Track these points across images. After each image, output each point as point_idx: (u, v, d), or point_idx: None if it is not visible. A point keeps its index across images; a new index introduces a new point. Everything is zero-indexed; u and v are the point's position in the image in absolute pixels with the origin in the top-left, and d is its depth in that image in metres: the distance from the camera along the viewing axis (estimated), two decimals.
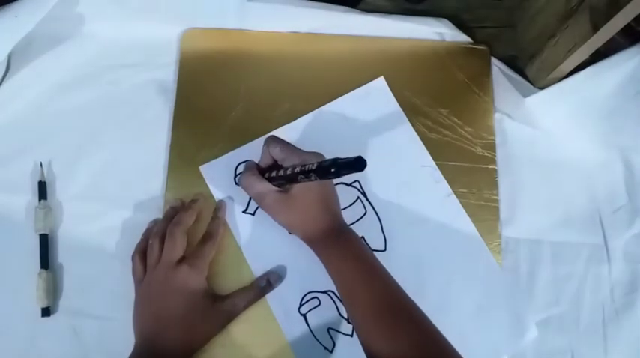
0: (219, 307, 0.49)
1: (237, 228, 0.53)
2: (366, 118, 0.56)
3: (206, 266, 0.49)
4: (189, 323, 0.47)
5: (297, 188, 0.46)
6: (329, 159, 0.42)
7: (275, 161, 0.49)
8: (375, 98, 0.57)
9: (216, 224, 0.51)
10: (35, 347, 0.49)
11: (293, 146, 0.49)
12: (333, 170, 0.41)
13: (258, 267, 0.52)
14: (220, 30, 0.59)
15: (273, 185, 0.48)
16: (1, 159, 0.54)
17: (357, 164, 0.39)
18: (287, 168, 0.46)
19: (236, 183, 0.54)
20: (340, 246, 0.46)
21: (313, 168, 0.43)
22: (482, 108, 0.57)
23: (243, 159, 0.54)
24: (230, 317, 0.49)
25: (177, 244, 0.48)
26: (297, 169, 0.44)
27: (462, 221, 0.54)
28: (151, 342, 0.46)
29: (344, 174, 0.41)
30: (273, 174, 0.48)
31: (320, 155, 0.47)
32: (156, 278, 0.47)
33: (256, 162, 0.52)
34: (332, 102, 0.57)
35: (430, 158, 0.55)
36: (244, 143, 0.55)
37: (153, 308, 0.47)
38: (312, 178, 0.43)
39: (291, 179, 0.46)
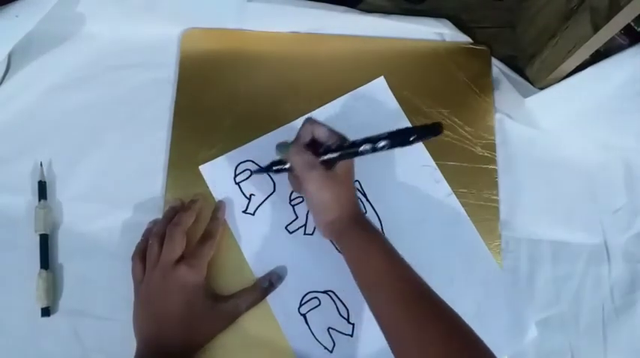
0: (222, 308, 0.49)
1: (237, 228, 0.53)
2: (367, 118, 0.56)
3: (204, 266, 0.49)
4: (189, 323, 0.47)
5: (342, 168, 0.46)
6: (404, 128, 0.43)
7: (313, 142, 0.48)
8: (376, 98, 0.57)
9: (215, 224, 0.51)
10: (35, 347, 0.49)
11: (334, 129, 0.47)
12: (412, 138, 0.42)
13: (258, 266, 0.52)
14: (220, 30, 0.59)
15: None
16: (1, 159, 0.54)
17: (434, 129, 0.40)
18: (343, 143, 0.45)
19: (236, 183, 0.54)
20: (366, 232, 0.46)
21: (385, 135, 0.43)
22: (483, 109, 0.58)
23: (243, 159, 0.54)
24: (232, 317, 0.49)
25: (176, 244, 0.48)
26: (359, 140, 0.44)
27: (462, 221, 0.54)
28: (153, 343, 0.46)
29: (419, 141, 0.42)
30: (321, 149, 0.46)
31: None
32: (155, 279, 0.47)
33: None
34: (332, 102, 0.57)
35: (430, 158, 0.55)
36: (244, 143, 0.55)
37: (153, 309, 0.47)
38: (381, 146, 0.43)
39: (347, 152, 0.45)
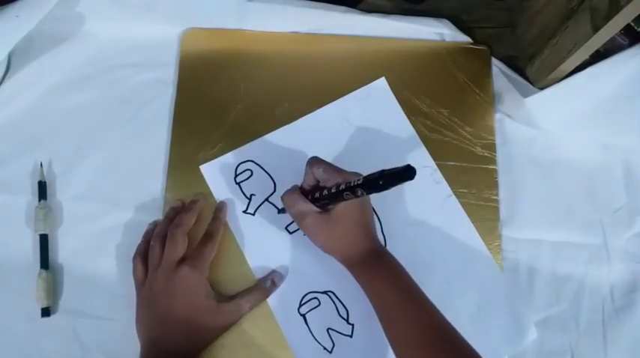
0: (224, 308, 0.48)
1: (238, 229, 0.53)
2: (367, 119, 0.56)
3: (207, 266, 0.49)
4: (193, 324, 0.47)
5: (338, 209, 0.46)
6: (376, 172, 0.41)
7: (317, 183, 0.48)
8: (377, 98, 0.57)
9: (217, 224, 0.51)
10: (35, 347, 0.49)
11: (336, 167, 0.47)
12: (381, 183, 0.39)
13: (258, 266, 0.52)
14: (220, 30, 0.59)
15: (316, 206, 0.47)
16: (1, 159, 0.54)
17: (407, 173, 0.37)
18: (331, 187, 0.45)
19: (236, 183, 0.54)
20: (380, 269, 0.46)
21: (360, 182, 0.42)
22: (483, 109, 0.57)
23: (244, 159, 0.54)
24: (235, 318, 0.49)
25: (178, 245, 0.48)
26: (343, 186, 0.43)
27: (462, 222, 0.54)
28: (156, 345, 0.46)
29: (392, 186, 0.39)
30: (317, 194, 0.47)
31: (360, 175, 0.46)
32: (158, 280, 0.47)
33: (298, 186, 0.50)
34: (333, 103, 0.57)
35: (431, 159, 0.55)
36: (244, 143, 0.55)
37: (156, 310, 0.47)
38: (359, 194, 0.42)
39: (336, 197, 0.45)
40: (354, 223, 0.46)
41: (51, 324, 0.50)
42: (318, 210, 0.47)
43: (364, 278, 0.46)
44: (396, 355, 0.43)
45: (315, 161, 0.48)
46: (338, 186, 0.45)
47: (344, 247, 0.47)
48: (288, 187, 0.49)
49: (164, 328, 0.46)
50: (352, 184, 0.43)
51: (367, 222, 0.47)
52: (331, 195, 0.45)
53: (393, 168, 0.39)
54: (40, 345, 0.49)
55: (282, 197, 0.48)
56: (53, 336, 0.50)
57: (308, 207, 0.47)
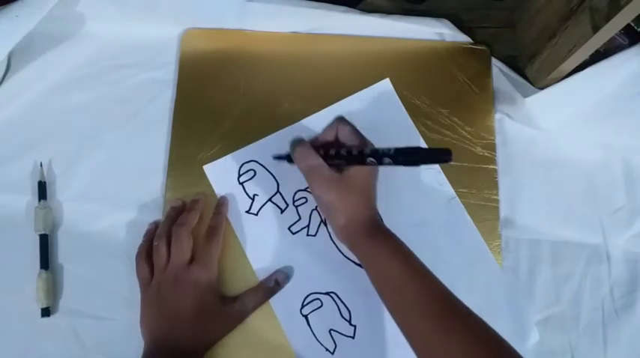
0: (230, 308, 0.49)
1: (240, 229, 0.53)
2: (371, 120, 0.56)
3: (215, 263, 0.49)
4: (201, 323, 0.47)
5: (351, 172, 0.45)
6: (412, 146, 0.41)
7: (334, 140, 0.48)
8: (381, 100, 0.57)
9: (219, 219, 0.51)
10: (35, 347, 0.49)
11: (359, 131, 0.47)
12: (417, 158, 0.39)
13: (260, 267, 0.52)
14: (220, 30, 0.59)
15: (327, 163, 0.47)
16: (1, 159, 0.54)
17: (444, 156, 0.37)
18: (352, 147, 0.45)
19: (240, 183, 0.54)
20: (382, 238, 0.45)
21: (391, 152, 0.41)
22: (483, 108, 0.58)
23: (247, 160, 0.54)
24: (240, 318, 0.49)
25: (184, 245, 0.48)
26: (368, 151, 0.43)
27: (465, 224, 0.54)
28: (163, 343, 0.46)
29: (425, 163, 0.39)
30: (332, 152, 0.46)
31: (374, 146, 0.46)
32: (166, 280, 0.47)
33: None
34: (337, 104, 0.56)
35: None
36: (244, 143, 0.55)
37: (164, 310, 0.47)
38: (386, 162, 0.41)
39: (355, 159, 0.44)
40: (363, 189, 0.46)
41: (51, 324, 0.50)
42: (328, 167, 0.46)
43: (365, 246, 0.45)
44: (397, 323, 0.42)
45: (343, 120, 0.48)
46: (361, 149, 0.44)
47: (350, 211, 0.46)
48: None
49: (171, 328, 0.46)
50: (380, 152, 0.42)
51: (374, 192, 0.48)
52: (351, 157, 0.45)
53: (431, 147, 0.39)
54: (40, 345, 0.49)
55: (292, 148, 0.48)
56: (53, 336, 0.49)
57: (320, 162, 0.46)
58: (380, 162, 0.43)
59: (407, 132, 0.56)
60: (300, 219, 0.53)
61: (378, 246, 0.45)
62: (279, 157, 0.53)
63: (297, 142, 0.49)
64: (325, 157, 0.47)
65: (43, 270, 0.50)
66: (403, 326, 0.42)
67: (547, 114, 0.55)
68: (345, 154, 0.45)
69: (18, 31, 0.52)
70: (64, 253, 0.52)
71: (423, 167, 0.55)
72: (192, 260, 0.48)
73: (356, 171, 0.46)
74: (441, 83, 0.58)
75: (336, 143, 0.49)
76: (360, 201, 0.46)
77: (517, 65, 0.59)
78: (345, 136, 0.48)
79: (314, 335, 0.50)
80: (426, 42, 0.60)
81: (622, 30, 0.47)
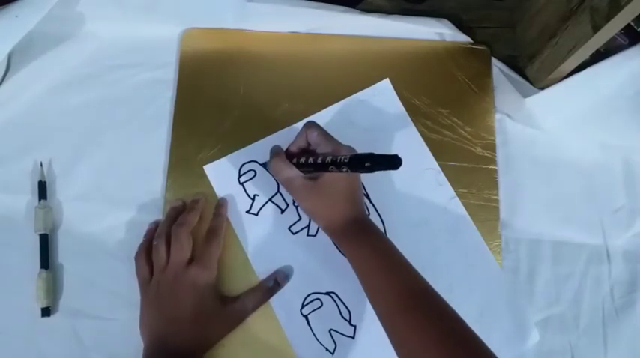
0: (230, 308, 0.49)
1: (241, 229, 0.53)
2: (371, 120, 0.56)
3: (215, 264, 0.49)
4: (200, 324, 0.47)
5: (326, 177, 0.46)
6: (364, 153, 0.41)
7: (307, 146, 0.49)
8: (380, 100, 0.57)
9: (219, 220, 0.51)
10: (35, 347, 0.49)
11: (330, 135, 0.48)
12: (367, 164, 0.39)
13: (260, 267, 0.52)
14: (220, 30, 0.59)
15: (302, 171, 0.47)
16: (1, 159, 0.54)
17: (393, 161, 0.38)
18: (318, 157, 0.46)
19: (240, 184, 0.54)
20: (362, 237, 0.46)
21: (346, 160, 0.42)
22: (483, 109, 0.58)
23: (248, 160, 0.54)
24: (240, 318, 0.49)
25: (184, 245, 0.48)
26: (329, 159, 0.44)
27: (465, 224, 0.54)
28: (163, 343, 0.46)
29: (377, 170, 0.39)
30: (302, 160, 0.47)
31: (353, 149, 0.47)
32: (165, 280, 0.47)
33: (282, 148, 0.51)
34: (337, 104, 0.57)
35: (434, 161, 0.55)
36: (244, 143, 0.55)
37: (163, 310, 0.47)
38: (344, 170, 0.42)
39: (321, 168, 0.45)
40: (339, 194, 0.47)
41: (51, 324, 0.50)
42: (304, 175, 0.47)
43: (347, 245, 0.46)
44: (382, 323, 0.42)
45: (311, 124, 0.49)
46: (325, 157, 0.45)
47: (328, 214, 0.47)
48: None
49: (171, 328, 0.46)
50: (338, 160, 0.43)
51: (354, 194, 0.48)
52: (316, 165, 0.45)
53: (382, 154, 0.39)
54: (40, 345, 0.49)
55: (268, 162, 0.49)
56: (53, 336, 0.49)
57: (294, 172, 0.47)
58: (340, 169, 0.43)
59: (407, 133, 0.56)
60: (300, 219, 0.53)
61: (360, 246, 0.46)
62: (263, 165, 0.54)
63: (272, 154, 0.49)
64: (298, 166, 0.48)
65: (43, 270, 0.50)
66: (379, 317, 0.43)
67: (547, 115, 0.55)
68: (312, 163, 0.46)
69: (18, 31, 0.52)
70: (64, 253, 0.52)
71: (423, 167, 0.55)
72: (191, 260, 0.48)
73: (330, 177, 0.46)
74: (441, 83, 0.58)
75: (310, 149, 0.49)
76: (336, 204, 0.47)
77: (517, 65, 0.59)
78: (314, 141, 0.48)
79: (314, 335, 0.50)
80: (425, 42, 0.60)
81: (622, 30, 0.47)
